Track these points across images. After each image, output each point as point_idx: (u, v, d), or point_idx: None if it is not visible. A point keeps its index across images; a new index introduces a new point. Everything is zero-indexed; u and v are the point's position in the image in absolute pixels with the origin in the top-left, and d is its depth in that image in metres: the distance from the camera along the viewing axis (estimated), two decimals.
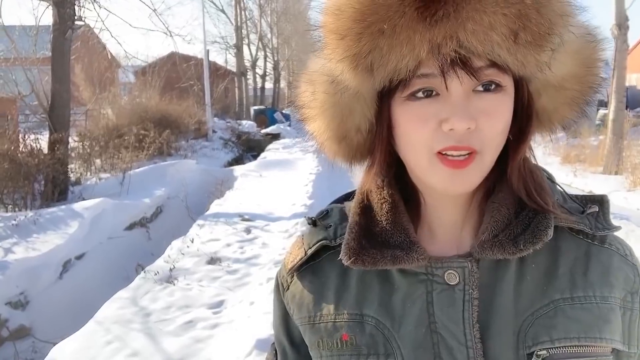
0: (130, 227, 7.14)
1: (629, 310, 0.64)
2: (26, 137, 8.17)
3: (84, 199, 7.50)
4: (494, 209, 0.64)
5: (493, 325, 0.61)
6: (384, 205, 0.67)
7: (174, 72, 22.70)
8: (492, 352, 0.60)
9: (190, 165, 11.36)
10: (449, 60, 0.55)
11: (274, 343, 0.79)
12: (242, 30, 30.10)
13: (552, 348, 0.59)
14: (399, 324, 0.64)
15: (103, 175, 9.51)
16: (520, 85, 0.62)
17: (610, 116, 10.40)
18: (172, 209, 8.40)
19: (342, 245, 0.66)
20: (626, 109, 10.88)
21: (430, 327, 0.62)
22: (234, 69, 30.67)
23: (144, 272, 4.87)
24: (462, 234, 0.67)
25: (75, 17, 8.47)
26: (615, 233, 0.68)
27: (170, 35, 11.94)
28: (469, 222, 0.67)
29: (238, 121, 22.42)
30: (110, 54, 14.96)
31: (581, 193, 0.72)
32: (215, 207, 7.71)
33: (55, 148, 7.96)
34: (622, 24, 9.98)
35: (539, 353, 0.59)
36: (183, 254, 5.36)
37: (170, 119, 15.02)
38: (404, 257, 0.62)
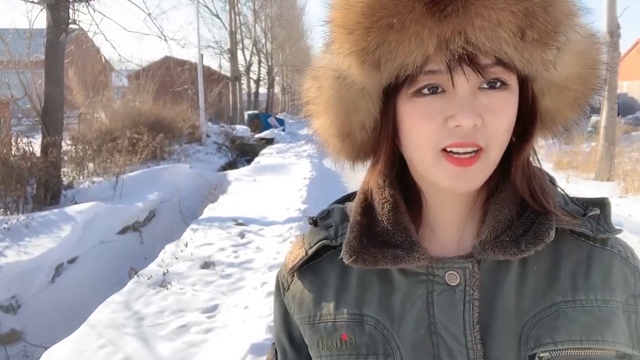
0: (123, 231, 7.11)
1: (633, 313, 0.64)
2: (19, 140, 8.12)
3: (76, 203, 7.46)
4: (496, 209, 0.64)
5: (494, 326, 0.61)
6: (385, 205, 0.67)
7: (168, 76, 22.66)
8: (493, 353, 0.60)
9: (183, 170, 11.32)
10: (456, 57, 0.55)
11: (274, 343, 0.79)
12: (237, 35, 30.08)
13: (554, 350, 0.59)
14: (398, 324, 0.63)
15: (96, 179, 9.46)
16: (525, 85, 0.63)
17: (602, 123, 10.47)
18: (165, 213, 8.36)
19: (343, 244, 0.66)
20: (618, 116, 10.96)
21: (430, 327, 0.62)
22: (228, 74, 30.62)
23: (137, 276, 4.84)
24: (463, 234, 0.67)
25: (69, 21, 8.43)
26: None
27: (165, 40, 11.93)
28: (471, 222, 0.67)
29: (232, 126, 22.37)
30: (104, 57, 14.95)
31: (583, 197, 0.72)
32: (209, 211, 7.69)
33: (48, 151, 7.92)
34: (613, 32, 10.07)
35: (541, 355, 0.59)
36: (177, 258, 5.34)
37: (164, 123, 14.97)
38: (405, 256, 0.62)
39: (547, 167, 12.10)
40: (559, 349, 0.59)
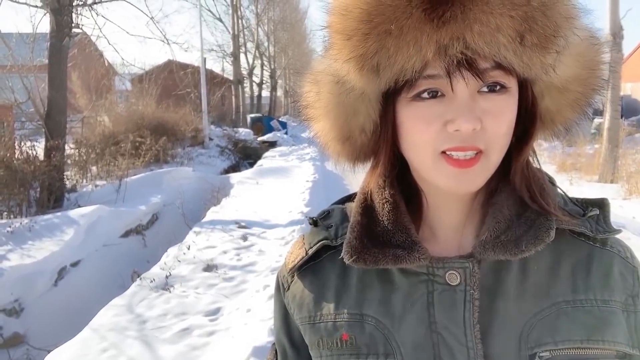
0: (126, 234, 7.11)
1: (632, 313, 0.64)
2: (22, 144, 8.15)
3: (79, 206, 7.47)
4: (496, 210, 0.64)
5: (494, 326, 0.61)
6: (385, 206, 0.67)
7: (171, 79, 22.71)
8: (493, 353, 0.60)
9: (186, 173, 11.34)
10: (455, 62, 0.55)
11: (274, 343, 0.79)
12: (239, 39, 30.16)
13: (555, 350, 0.59)
14: (398, 324, 0.63)
15: (99, 182, 9.48)
16: (525, 87, 0.62)
17: (606, 125, 10.45)
18: (168, 216, 8.37)
19: (344, 244, 0.66)
20: (621, 117, 10.94)
21: (430, 327, 0.62)
22: (231, 77, 30.67)
23: (140, 279, 4.84)
24: (463, 234, 0.67)
25: (73, 25, 8.47)
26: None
27: (168, 43, 12.00)
28: (471, 222, 0.67)
29: (235, 129, 22.40)
30: (107, 61, 14.99)
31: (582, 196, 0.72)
32: (212, 214, 7.70)
33: (51, 155, 7.94)
34: (616, 34, 10.05)
35: (541, 355, 0.59)
36: (179, 261, 5.34)
37: (167, 126, 15.00)
38: (406, 256, 0.62)
39: (551, 169, 12.14)
40: (559, 349, 0.59)
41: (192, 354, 3.48)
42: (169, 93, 21.09)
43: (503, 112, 0.59)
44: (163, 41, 11.97)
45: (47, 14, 8.21)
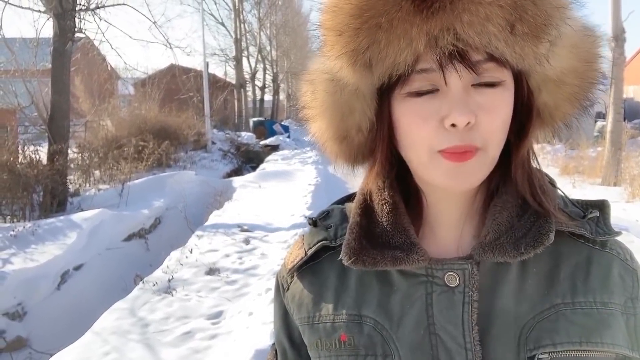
0: (129, 238, 7.12)
1: (632, 315, 0.64)
2: (25, 148, 8.18)
3: (82, 210, 7.48)
4: (496, 211, 0.64)
5: (493, 328, 0.60)
6: (384, 207, 0.67)
7: (174, 83, 22.76)
8: (492, 354, 0.60)
9: (189, 177, 11.35)
10: (446, 54, 0.55)
11: (274, 343, 0.79)
12: (242, 43, 30.23)
13: (554, 352, 0.59)
14: (397, 325, 0.63)
15: (102, 186, 9.50)
16: (520, 81, 0.62)
17: (608, 128, 10.42)
18: (170, 220, 8.38)
19: (343, 245, 0.66)
20: (624, 120, 10.91)
21: (429, 328, 0.62)
22: (234, 81, 30.76)
23: (143, 282, 4.85)
24: (463, 235, 0.67)
25: (76, 29, 8.51)
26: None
27: (170, 48, 12.00)
28: (471, 223, 0.67)
29: (237, 133, 22.43)
30: (110, 65, 15.05)
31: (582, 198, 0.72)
32: (214, 217, 7.70)
33: (55, 159, 7.96)
34: (618, 36, 10.04)
35: (540, 357, 0.59)
36: (182, 264, 5.34)
37: (170, 130, 15.03)
38: (405, 258, 0.62)
39: (553, 172, 12.11)
40: (558, 351, 0.59)
41: (194, 357, 3.48)
42: (171, 97, 21.15)
43: (498, 106, 0.59)
44: (166, 45, 11.99)
45: (50, 19, 8.25)
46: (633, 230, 6.22)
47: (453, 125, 0.57)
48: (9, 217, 7.15)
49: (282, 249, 5.89)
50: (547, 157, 13.53)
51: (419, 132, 0.59)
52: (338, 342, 0.66)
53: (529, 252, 0.60)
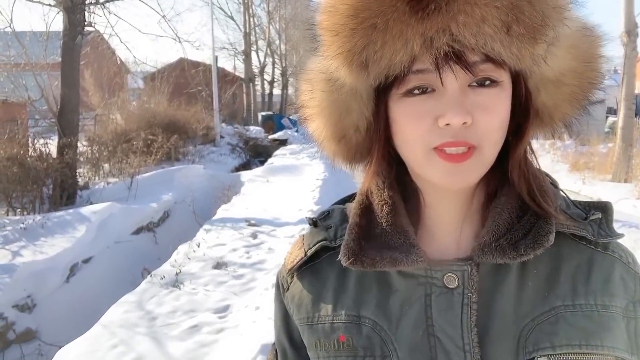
0: (138, 231, 7.16)
1: (632, 319, 0.63)
2: (35, 141, 8.23)
3: (91, 203, 7.54)
4: (496, 213, 0.64)
5: (492, 329, 0.60)
6: (384, 207, 0.67)
7: (183, 77, 22.84)
8: (491, 356, 0.59)
9: (197, 171, 11.39)
10: (442, 54, 0.55)
11: (274, 343, 0.79)
12: (251, 37, 30.24)
13: (553, 354, 0.58)
14: (396, 326, 0.63)
15: (111, 179, 9.55)
16: (518, 81, 0.62)
17: (620, 123, 10.34)
18: (179, 214, 8.42)
19: (342, 246, 0.66)
20: (635, 116, 10.80)
21: (427, 330, 0.61)
22: (242, 75, 30.80)
23: (150, 276, 4.88)
24: (462, 236, 0.66)
25: (85, 23, 8.54)
26: (623, 240, 0.67)
27: (179, 41, 12.03)
28: (470, 225, 0.67)
29: (246, 127, 22.47)
30: (120, 59, 15.09)
31: (586, 199, 0.71)
32: (222, 212, 7.72)
33: (64, 152, 8.02)
34: (631, 31, 9.93)
35: (539, 359, 0.58)
36: (189, 258, 5.37)
37: (179, 124, 15.08)
38: (403, 259, 0.62)
39: (563, 168, 12.04)
40: (558, 354, 0.59)
41: (200, 351, 3.50)
42: (180, 91, 21.21)
43: (494, 106, 0.59)
44: (175, 39, 12.01)
45: (60, 13, 8.29)
46: None
47: (448, 124, 0.57)
48: (19, 209, 7.21)
49: (290, 243, 5.88)
50: (557, 153, 13.43)
51: (415, 130, 0.59)
52: (337, 343, 0.66)
53: (528, 253, 0.59)
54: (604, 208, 0.67)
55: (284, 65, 39.24)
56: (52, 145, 8.35)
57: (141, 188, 8.48)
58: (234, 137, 19.16)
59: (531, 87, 0.63)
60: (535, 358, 0.59)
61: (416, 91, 0.59)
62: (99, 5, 9.13)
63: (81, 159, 9.53)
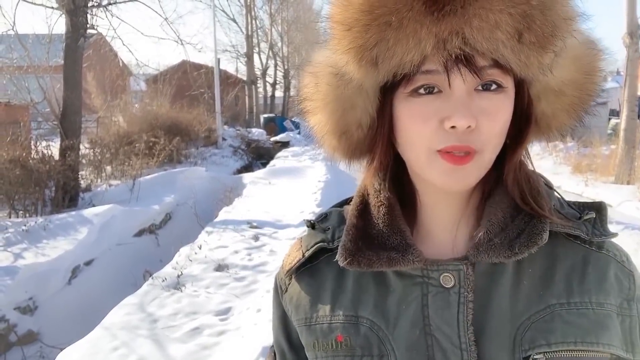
0: (139, 233, 7.18)
1: (627, 317, 0.64)
2: (38, 143, 8.25)
3: (94, 206, 7.55)
4: (490, 212, 0.64)
5: (488, 328, 0.61)
6: (380, 208, 0.67)
7: (185, 80, 22.87)
8: (487, 355, 0.60)
9: (199, 173, 11.41)
10: (453, 57, 0.55)
11: (273, 345, 0.79)
12: (253, 39, 30.29)
13: (549, 352, 0.59)
14: (393, 326, 0.64)
15: (113, 182, 9.58)
16: (521, 88, 0.63)
17: (622, 125, 10.32)
18: (181, 216, 8.43)
19: (339, 247, 0.66)
20: (638, 118, 10.78)
21: (424, 329, 0.62)
22: (245, 77, 30.85)
23: (152, 278, 4.88)
24: (458, 236, 0.67)
25: (88, 26, 8.57)
26: (626, 242, 0.66)
27: (182, 44, 12.05)
28: (465, 224, 0.67)
29: (248, 129, 22.49)
30: (122, 62, 15.12)
31: (581, 200, 0.72)
32: (224, 214, 7.73)
33: (66, 155, 8.04)
34: (633, 33, 9.92)
35: (535, 357, 0.59)
36: (191, 260, 5.37)
37: (181, 126, 15.12)
38: (400, 259, 0.62)
39: (566, 170, 12.00)
40: (553, 351, 0.59)
41: (202, 354, 3.50)
42: (182, 93, 21.25)
43: (498, 112, 0.59)
44: (177, 42, 12.02)
45: (63, 15, 8.31)
46: None
47: (453, 127, 0.57)
48: (21, 212, 7.23)
49: (291, 246, 5.89)
50: (559, 155, 13.42)
51: (419, 131, 0.60)
52: (335, 343, 0.66)
53: (523, 252, 0.60)
54: (597, 208, 0.68)
55: (286, 67, 39.31)
56: (54, 148, 8.38)
57: (143, 190, 8.49)
58: (236, 140, 19.19)
59: (533, 94, 0.64)
60: (531, 356, 0.59)
61: (422, 91, 0.59)
62: (101, 8, 9.17)
63: (83, 161, 9.56)
